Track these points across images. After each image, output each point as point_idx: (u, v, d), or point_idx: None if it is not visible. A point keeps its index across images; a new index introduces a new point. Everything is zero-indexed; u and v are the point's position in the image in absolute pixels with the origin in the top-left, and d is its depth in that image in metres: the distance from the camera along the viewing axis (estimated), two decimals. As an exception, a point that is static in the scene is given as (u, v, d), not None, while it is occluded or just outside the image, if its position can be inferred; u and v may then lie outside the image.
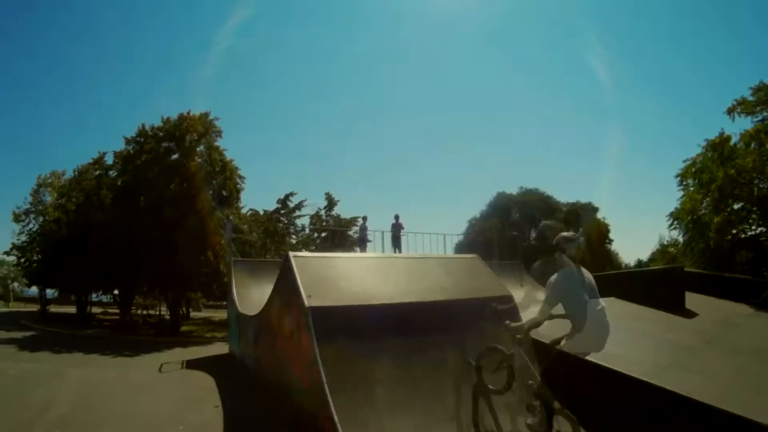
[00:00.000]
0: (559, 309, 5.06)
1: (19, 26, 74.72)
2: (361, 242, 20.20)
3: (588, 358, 5.38)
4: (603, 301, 5.05)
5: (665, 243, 28.89)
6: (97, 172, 30.39)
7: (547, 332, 7.07)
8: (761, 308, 13.26)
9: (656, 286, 12.26)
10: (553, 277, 5.10)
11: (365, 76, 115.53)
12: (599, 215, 47.93)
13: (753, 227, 22.55)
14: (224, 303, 26.78)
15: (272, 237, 31.39)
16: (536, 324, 5.28)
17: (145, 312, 34.32)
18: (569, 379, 5.01)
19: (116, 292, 30.95)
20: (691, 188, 23.72)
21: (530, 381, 5.34)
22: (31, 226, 33.45)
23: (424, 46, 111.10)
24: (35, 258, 32.99)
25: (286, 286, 7.51)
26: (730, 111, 22.26)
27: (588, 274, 5.20)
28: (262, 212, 34.61)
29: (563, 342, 5.02)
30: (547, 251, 5.45)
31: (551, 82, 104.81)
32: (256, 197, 69.23)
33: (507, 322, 5.64)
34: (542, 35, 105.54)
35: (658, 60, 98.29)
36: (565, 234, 5.37)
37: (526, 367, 5.94)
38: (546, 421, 4.98)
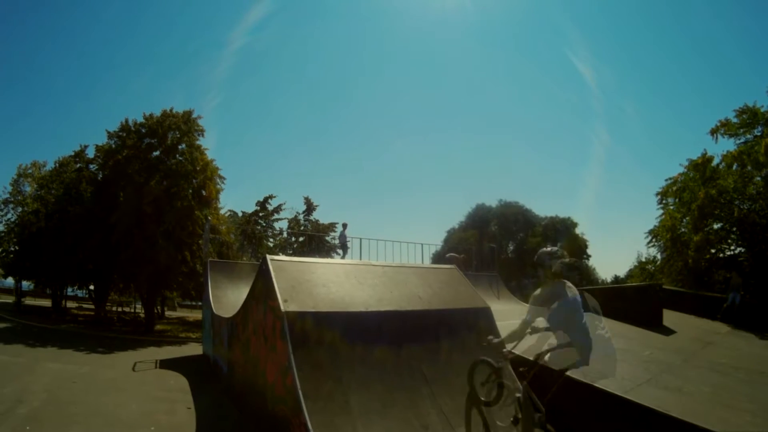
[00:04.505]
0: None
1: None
2: (343, 248, 20.11)
3: (567, 373, 5.31)
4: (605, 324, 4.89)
5: (643, 260, 29.08)
6: (78, 165, 29.93)
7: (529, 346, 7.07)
8: (729, 323, 13.51)
9: (634, 302, 12.30)
10: (555, 305, 4.69)
11: (350, 84, 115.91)
12: (577, 231, 48.63)
13: (732, 247, 22.85)
14: (199, 303, 26.53)
15: (250, 239, 31.19)
16: (517, 338, 5.08)
17: (119, 309, 33.93)
18: (548, 393, 4.96)
19: (92, 287, 30.50)
20: (671, 206, 24.02)
21: (517, 394, 5.23)
22: (9, 216, 32.85)
23: (408, 57, 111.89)
24: (12, 248, 32.41)
25: (263, 290, 7.38)
26: (714, 132, 22.58)
27: (591, 299, 5.01)
28: (240, 214, 34.41)
29: (546, 357, 4.89)
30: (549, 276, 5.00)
31: (534, 97, 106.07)
32: (236, 198, 68.77)
33: (490, 337, 5.50)
34: (527, 50, 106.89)
35: (641, 79, 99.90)
36: (548, 249, 5.06)
37: (513, 380, 5.88)
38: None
